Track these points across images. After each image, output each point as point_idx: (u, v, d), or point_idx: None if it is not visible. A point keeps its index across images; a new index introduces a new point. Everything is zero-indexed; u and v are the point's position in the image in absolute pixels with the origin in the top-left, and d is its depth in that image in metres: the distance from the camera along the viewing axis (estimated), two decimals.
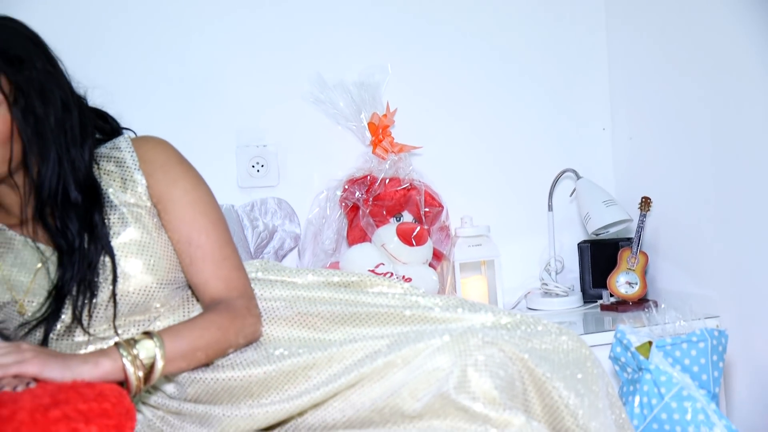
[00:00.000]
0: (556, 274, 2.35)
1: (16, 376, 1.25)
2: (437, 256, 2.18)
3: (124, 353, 1.31)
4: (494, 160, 2.44)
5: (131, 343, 1.33)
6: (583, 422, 1.32)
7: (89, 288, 1.47)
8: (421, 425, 1.28)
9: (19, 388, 1.22)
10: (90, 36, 2.13)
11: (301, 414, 1.37)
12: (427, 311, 1.50)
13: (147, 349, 1.33)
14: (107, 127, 1.62)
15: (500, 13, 2.45)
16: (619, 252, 2.25)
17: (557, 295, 2.28)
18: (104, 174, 1.53)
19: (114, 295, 1.46)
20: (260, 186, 2.28)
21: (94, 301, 1.47)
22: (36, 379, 1.26)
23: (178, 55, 2.23)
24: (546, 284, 2.32)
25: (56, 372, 1.26)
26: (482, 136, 2.43)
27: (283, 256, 2.26)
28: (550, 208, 2.36)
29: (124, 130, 1.63)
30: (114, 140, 1.58)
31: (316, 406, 1.36)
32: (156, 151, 1.56)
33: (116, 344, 1.33)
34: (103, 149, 1.56)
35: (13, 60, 1.41)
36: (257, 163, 2.27)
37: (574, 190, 2.33)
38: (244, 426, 1.37)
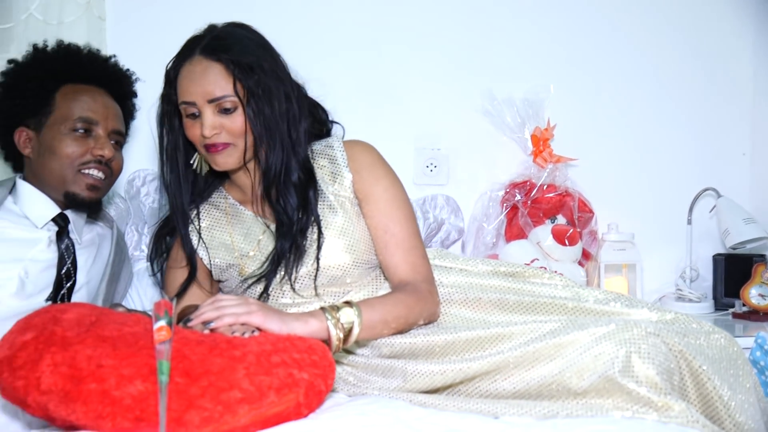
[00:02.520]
0: (691, 281, 2.49)
1: (243, 324, 1.46)
2: (586, 256, 2.38)
3: (329, 316, 1.50)
4: (641, 174, 2.57)
5: (335, 308, 1.52)
6: (734, 414, 1.36)
7: (299, 250, 1.67)
8: (586, 402, 1.35)
9: (246, 335, 1.44)
10: (306, 36, 2.37)
11: (471, 379, 1.48)
12: (584, 303, 1.61)
13: (347, 315, 1.51)
14: (321, 117, 1.83)
15: (654, 43, 2.58)
16: (754, 266, 2.39)
17: (691, 300, 2.43)
18: (318, 168, 1.74)
19: (318, 259, 1.66)
20: (432, 184, 2.49)
21: (302, 260, 1.67)
22: (258, 329, 1.46)
23: (370, 63, 2.47)
24: (681, 290, 2.46)
25: (275, 325, 1.46)
26: (631, 152, 2.57)
27: (449, 246, 2.45)
28: (689, 221, 2.50)
29: (333, 124, 1.86)
30: (328, 140, 1.78)
31: (488, 375, 1.46)
32: (363, 153, 1.76)
33: (322, 308, 1.52)
34: (318, 146, 1.77)
35: (246, 67, 1.62)
36: (431, 164, 2.49)
37: (714, 206, 2.47)
38: (423, 380, 1.49)
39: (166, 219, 1.84)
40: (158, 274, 1.87)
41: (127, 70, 2.01)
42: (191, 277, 1.78)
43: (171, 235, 1.83)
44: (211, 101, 1.62)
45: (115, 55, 2.00)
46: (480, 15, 2.52)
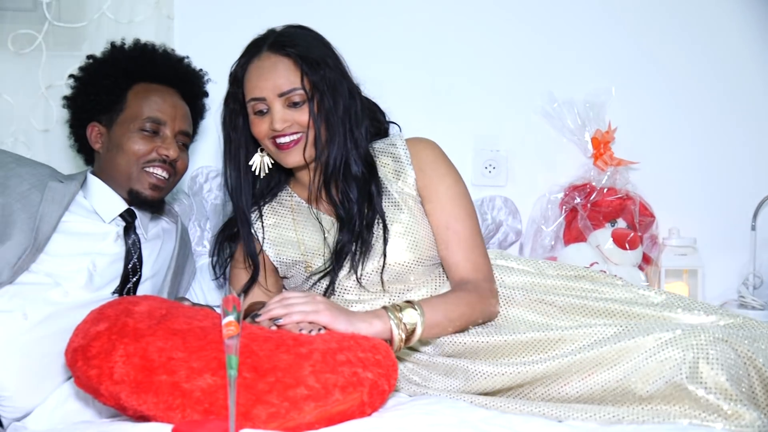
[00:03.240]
0: (754, 288, 2.42)
1: (311, 322, 1.48)
2: (646, 260, 2.35)
3: (392, 317, 1.51)
4: (703, 178, 2.51)
5: (397, 308, 1.53)
6: None
7: (364, 244, 1.68)
8: (652, 408, 1.34)
9: (313, 332, 1.47)
10: (363, 36, 2.36)
11: (531, 383, 1.48)
12: (647, 307, 1.59)
13: (410, 316, 1.52)
14: (379, 117, 1.85)
15: (719, 46, 2.52)
16: None
17: (753, 307, 2.36)
18: (381, 166, 1.75)
19: (384, 254, 1.67)
20: (490, 185, 2.47)
21: (368, 254, 1.68)
22: (324, 327, 1.48)
23: (429, 62, 2.45)
24: (743, 297, 2.40)
25: (341, 324, 1.48)
26: (693, 156, 2.51)
27: (506, 248, 2.43)
28: (753, 227, 2.44)
29: (390, 124, 1.87)
30: (390, 138, 1.80)
31: (549, 378, 1.46)
32: (426, 151, 1.77)
33: (384, 308, 1.53)
34: (381, 144, 1.79)
35: (313, 62, 1.66)
36: (490, 165, 2.48)
37: None
38: (484, 381, 1.50)
39: (227, 222, 1.88)
40: (220, 278, 1.91)
41: (200, 70, 2.04)
42: (254, 278, 1.81)
43: (232, 239, 1.86)
44: (280, 95, 1.65)
45: (188, 56, 2.04)
46: (542, 16, 2.50)
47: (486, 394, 1.53)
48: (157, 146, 1.80)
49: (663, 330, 1.38)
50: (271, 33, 1.73)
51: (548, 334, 1.53)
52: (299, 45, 1.68)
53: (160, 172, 1.81)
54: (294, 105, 1.66)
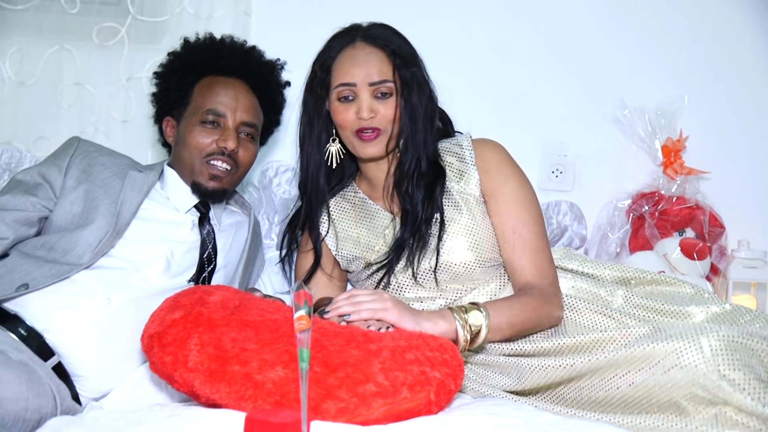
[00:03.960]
0: None
1: (378, 320, 1.49)
2: (714, 271, 2.31)
3: (458, 318, 1.51)
4: None
5: (463, 310, 1.52)
6: None
7: (421, 240, 1.68)
8: (689, 411, 1.33)
9: (382, 330, 1.47)
10: (437, 37, 2.30)
11: (578, 379, 1.47)
12: (711, 317, 1.59)
13: (476, 318, 1.52)
14: (444, 118, 1.87)
15: None
16: None
17: None
18: (445, 165, 1.75)
19: (438, 251, 1.68)
20: (557, 190, 2.47)
21: (425, 250, 1.69)
22: (392, 325, 1.49)
23: (499, 65, 2.46)
24: None
25: (408, 323, 1.48)
26: (765, 168, 2.47)
27: None
28: None
29: (456, 133, 1.87)
30: (456, 138, 1.80)
31: (598, 373, 1.44)
32: (492, 152, 1.76)
33: (450, 309, 1.53)
34: (447, 144, 1.79)
35: (404, 59, 1.68)
36: (557, 170, 2.47)
37: None
38: (537, 375, 1.50)
39: (296, 213, 1.90)
40: (285, 265, 1.94)
41: (277, 60, 2.04)
42: (316, 263, 1.84)
43: (300, 228, 1.88)
44: (371, 84, 1.67)
45: (256, 46, 2.03)
46: (614, 23, 2.48)
47: (538, 393, 1.53)
48: (218, 138, 1.81)
49: (699, 333, 1.35)
50: (359, 26, 1.75)
51: (598, 335, 1.52)
52: (393, 40, 1.70)
53: (220, 164, 1.82)
54: (381, 96, 1.68)
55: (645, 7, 2.47)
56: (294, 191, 2.33)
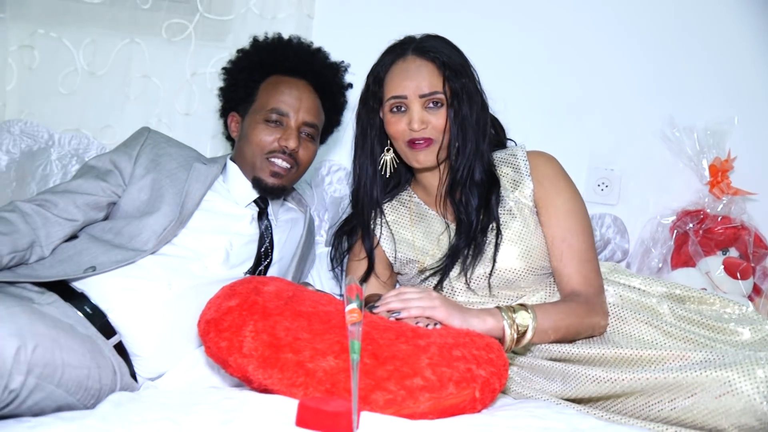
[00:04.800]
0: None
1: (427, 317, 1.52)
2: (756, 291, 2.30)
3: (506, 317, 1.53)
4: None
5: (511, 309, 1.54)
6: None
7: (477, 248, 1.70)
8: None
9: (430, 326, 1.49)
10: (490, 50, 2.27)
11: (624, 396, 1.46)
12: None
13: (523, 318, 1.54)
14: (499, 131, 1.89)
15: None
16: None
17: None
18: (501, 175, 1.77)
19: (494, 260, 1.69)
20: (601, 203, 2.47)
21: (479, 258, 1.70)
22: (440, 322, 1.51)
23: (553, 82, 2.47)
24: None
25: (456, 320, 1.50)
26: None
27: None
28: None
29: (508, 141, 1.89)
30: (511, 149, 1.82)
31: (645, 393, 1.43)
32: (546, 165, 1.79)
33: (498, 308, 1.55)
34: (502, 154, 1.81)
35: (455, 70, 1.70)
36: (602, 183, 2.47)
37: None
38: (584, 386, 1.49)
39: (347, 218, 1.93)
40: (336, 269, 1.97)
41: (341, 62, 2.06)
42: (369, 270, 1.87)
43: (351, 234, 1.92)
44: (421, 96, 1.70)
45: (321, 47, 2.05)
46: (668, 42, 2.47)
47: (581, 401, 1.53)
48: (280, 137, 1.84)
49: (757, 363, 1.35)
50: (412, 39, 1.78)
51: (648, 353, 1.51)
52: (443, 52, 1.72)
53: (280, 162, 1.85)
54: (432, 107, 1.70)
55: (698, 28, 2.47)
56: (344, 190, 2.38)
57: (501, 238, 1.70)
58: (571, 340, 1.63)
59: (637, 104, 2.48)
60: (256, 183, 1.86)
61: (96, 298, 1.60)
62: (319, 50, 2.03)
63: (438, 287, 1.75)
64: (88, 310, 1.58)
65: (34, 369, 1.23)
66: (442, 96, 1.70)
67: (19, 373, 1.21)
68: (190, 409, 1.27)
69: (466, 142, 1.71)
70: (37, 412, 1.28)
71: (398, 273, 1.90)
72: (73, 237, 1.74)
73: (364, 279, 1.87)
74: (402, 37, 1.80)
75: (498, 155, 1.81)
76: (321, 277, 2.15)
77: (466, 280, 1.72)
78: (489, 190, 1.73)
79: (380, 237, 1.86)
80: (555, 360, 1.61)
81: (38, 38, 2.36)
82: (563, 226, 1.72)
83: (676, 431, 1.39)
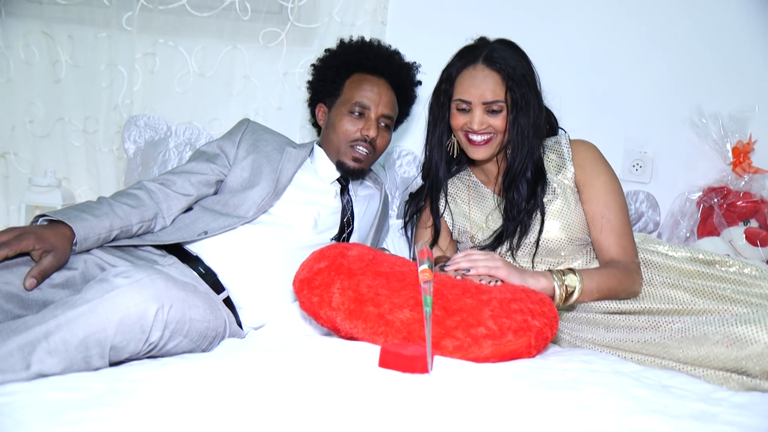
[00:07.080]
0: None
1: (490, 275, 1.51)
2: None
3: (556, 278, 1.52)
4: None
5: (561, 273, 1.53)
6: None
7: (523, 228, 1.69)
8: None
9: (491, 284, 1.49)
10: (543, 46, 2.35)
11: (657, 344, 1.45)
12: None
13: (572, 280, 1.52)
14: (552, 123, 1.82)
15: None
16: None
17: None
18: (547, 161, 1.74)
19: (538, 240, 1.68)
20: (636, 181, 2.42)
21: (524, 239, 1.69)
22: (501, 280, 1.50)
23: (591, 75, 2.41)
24: None
25: (515, 279, 1.49)
26: None
27: None
28: None
29: (560, 129, 1.84)
30: (557, 137, 1.77)
31: (672, 342, 1.42)
32: (587, 151, 1.74)
33: (550, 271, 1.54)
34: (549, 142, 1.77)
35: (517, 81, 1.64)
36: (637, 164, 2.42)
37: None
38: (625, 333, 1.48)
39: (418, 189, 1.92)
40: (408, 234, 1.96)
41: (413, 63, 2.03)
42: (435, 237, 1.85)
43: (419, 204, 1.91)
44: (484, 103, 1.66)
45: (398, 50, 2.02)
46: (695, 39, 2.39)
47: (619, 348, 1.50)
48: (362, 127, 1.84)
49: None
50: (485, 43, 1.72)
51: (677, 307, 1.50)
52: (509, 63, 1.66)
53: (361, 149, 1.84)
54: (492, 112, 1.67)
55: (724, 27, 2.38)
56: (412, 171, 2.36)
57: (543, 225, 1.68)
58: (612, 300, 1.60)
59: (668, 94, 2.41)
60: (340, 166, 1.86)
61: (208, 260, 1.62)
62: (396, 52, 2.01)
63: None
64: (201, 270, 1.60)
65: (168, 325, 1.26)
66: (503, 104, 1.65)
67: (157, 329, 1.23)
68: (289, 353, 1.29)
69: (522, 146, 1.68)
70: (166, 354, 1.30)
71: (456, 241, 1.88)
72: (188, 210, 1.77)
73: (431, 245, 1.85)
74: (476, 39, 1.75)
75: (547, 143, 1.78)
76: (395, 245, 2.14)
77: (513, 257, 1.71)
78: (536, 182, 1.70)
79: (443, 208, 1.85)
80: (598, 313, 1.59)
81: (159, 47, 2.39)
82: (602, 204, 1.68)
83: (704, 372, 1.37)
